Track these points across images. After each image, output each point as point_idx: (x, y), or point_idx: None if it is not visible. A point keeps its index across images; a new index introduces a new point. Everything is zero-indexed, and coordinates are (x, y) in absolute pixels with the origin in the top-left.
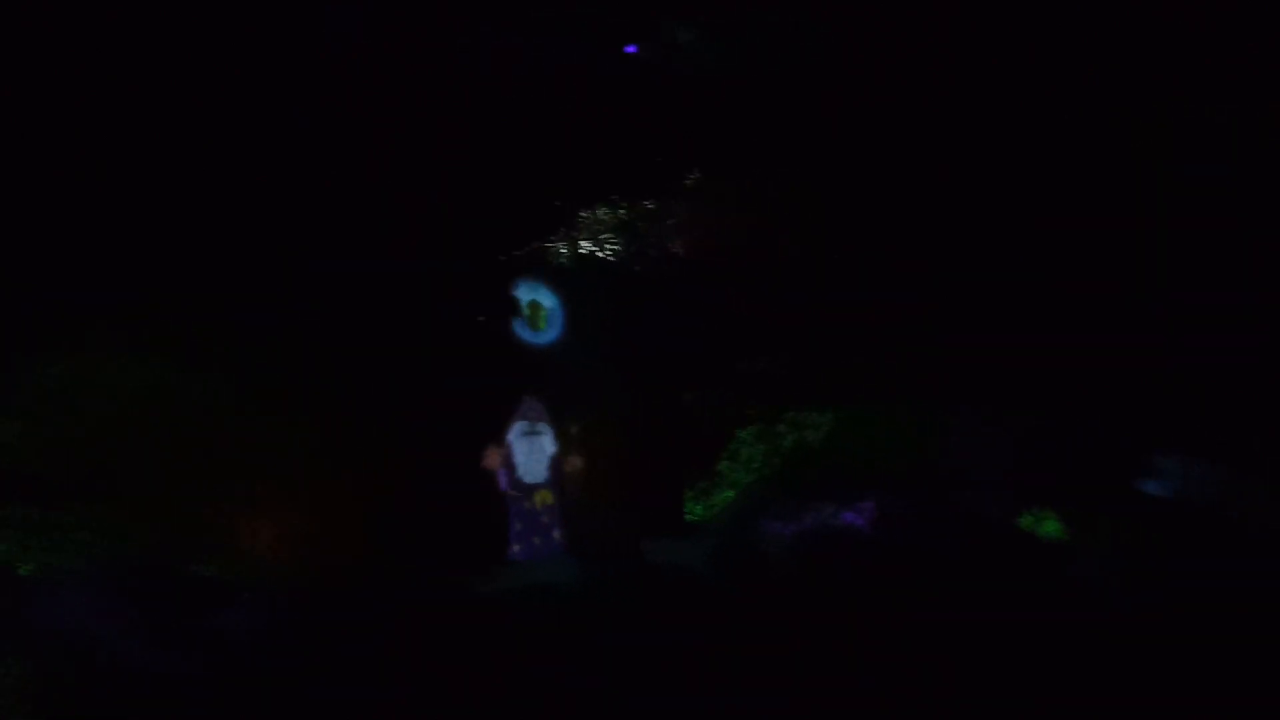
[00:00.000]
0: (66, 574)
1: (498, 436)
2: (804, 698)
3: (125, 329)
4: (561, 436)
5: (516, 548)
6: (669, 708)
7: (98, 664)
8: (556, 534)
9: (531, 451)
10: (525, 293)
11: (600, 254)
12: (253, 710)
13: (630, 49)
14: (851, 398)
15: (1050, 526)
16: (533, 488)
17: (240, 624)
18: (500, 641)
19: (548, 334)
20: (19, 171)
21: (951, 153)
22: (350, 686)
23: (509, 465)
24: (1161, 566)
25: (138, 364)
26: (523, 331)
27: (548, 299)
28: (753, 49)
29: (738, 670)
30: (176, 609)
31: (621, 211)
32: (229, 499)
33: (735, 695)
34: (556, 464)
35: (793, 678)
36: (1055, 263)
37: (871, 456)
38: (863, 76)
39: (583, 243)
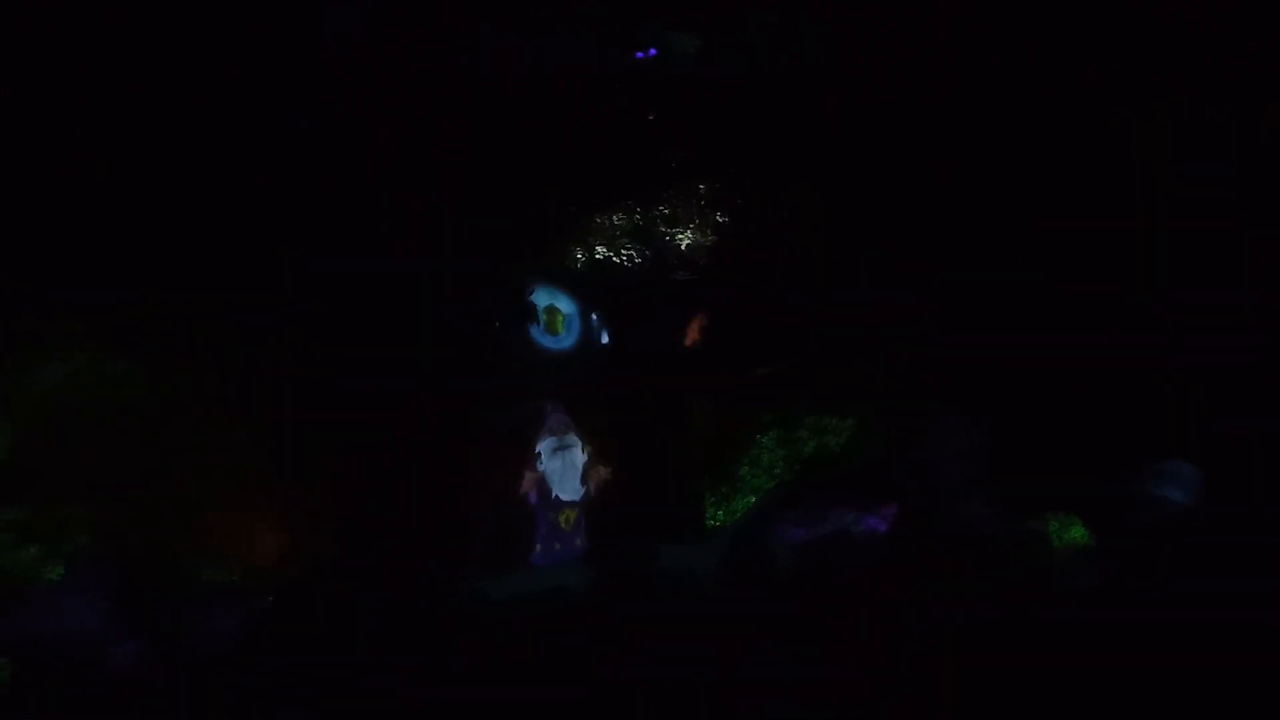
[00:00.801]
0: (64, 577)
1: (528, 455)
2: (815, 703)
3: (122, 331)
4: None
5: (539, 549)
6: (673, 711)
7: (92, 664)
8: (579, 541)
9: (565, 468)
10: (542, 299)
11: (615, 259)
12: (254, 712)
13: (643, 55)
14: (870, 401)
15: (1076, 533)
16: (564, 504)
17: (240, 625)
18: (501, 644)
19: (565, 340)
20: (18, 173)
21: (968, 151)
22: (352, 686)
23: (541, 486)
24: (1170, 571)
25: (135, 366)
26: (540, 338)
27: (565, 304)
28: (761, 50)
29: (746, 675)
30: (177, 612)
31: (636, 216)
32: (237, 504)
33: (744, 699)
34: (588, 474)
35: (804, 683)
36: (1067, 262)
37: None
38: (871, 76)
39: (598, 248)
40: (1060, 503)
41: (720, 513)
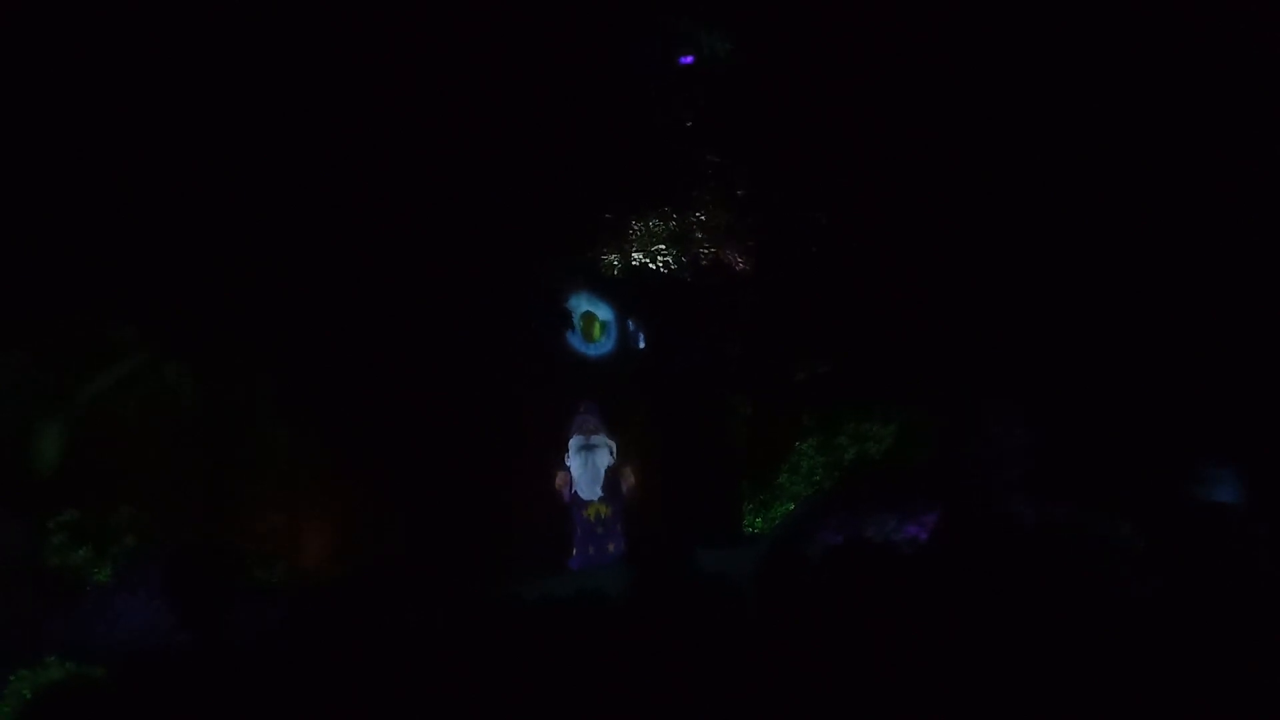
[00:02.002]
0: (116, 576)
1: (559, 452)
2: (849, 710)
3: (174, 335)
4: (620, 448)
5: (575, 553)
6: (705, 712)
7: (144, 660)
8: (612, 545)
9: (586, 466)
10: (579, 305)
11: (652, 265)
12: (295, 706)
13: (685, 60)
14: (906, 403)
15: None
16: (587, 502)
17: (285, 623)
18: (532, 645)
19: (602, 345)
20: (72, 182)
21: (1014, 150)
22: (388, 685)
23: (568, 481)
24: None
25: (187, 370)
26: (577, 343)
27: (602, 311)
28: (797, 52)
29: (780, 680)
30: (226, 610)
31: (673, 222)
32: (283, 505)
33: (778, 704)
34: (613, 476)
35: (839, 690)
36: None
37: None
38: (910, 76)
39: (634, 254)
40: (1110, 504)
41: (759, 519)
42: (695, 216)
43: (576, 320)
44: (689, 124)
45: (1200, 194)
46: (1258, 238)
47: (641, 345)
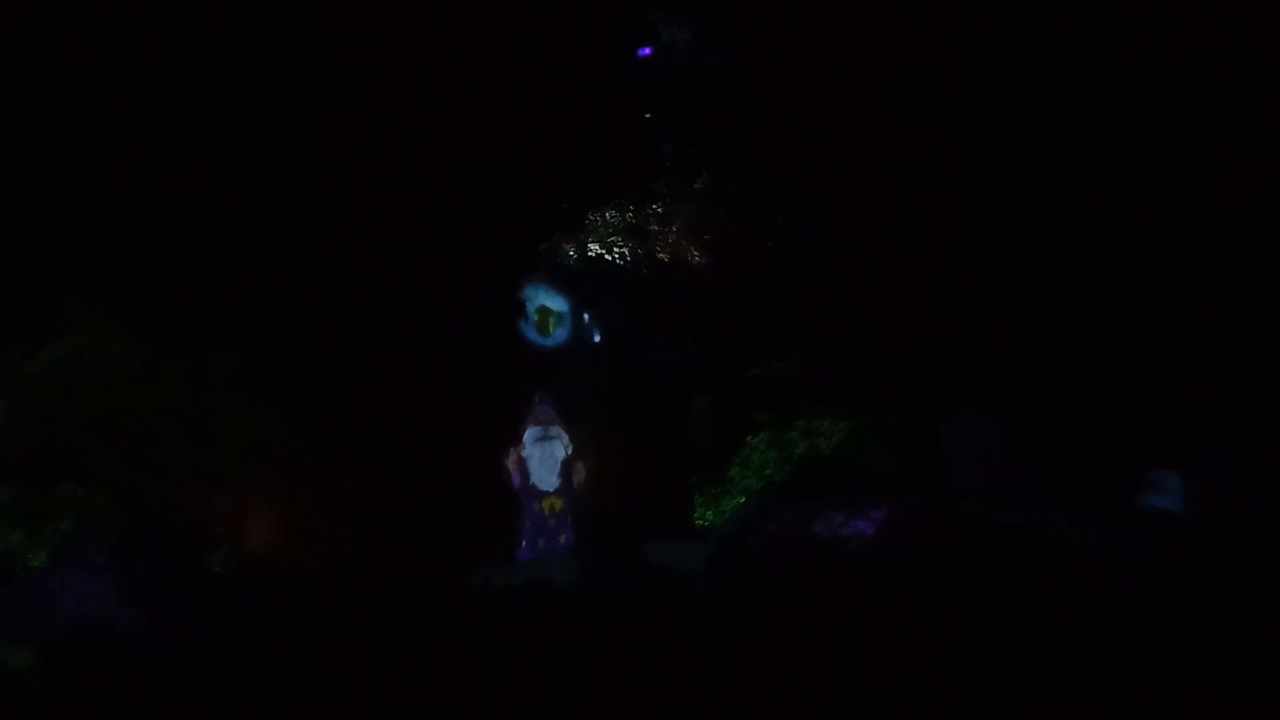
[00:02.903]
0: (58, 558)
1: (515, 437)
2: (797, 703)
3: (122, 311)
4: (573, 440)
5: (524, 545)
6: (652, 705)
7: (90, 644)
8: (563, 537)
9: (544, 458)
10: (534, 297)
11: (608, 257)
12: (247, 695)
13: (643, 52)
14: (863, 402)
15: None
16: (544, 494)
17: (234, 609)
18: (485, 637)
19: (557, 338)
20: (21, 158)
21: (979, 144)
22: (339, 676)
23: (523, 470)
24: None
25: (135, 346)
26: (531, 334)
27: (556, 303)
28: (755, 40)
29: (728, 673)
30: (176, 594)
31: (630, 214)
32: (235, 488)
33: (726, 697)
34: (565, 468)
35: (786, 684)
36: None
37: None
38: (872, 67)
39: (591, 245)
40: (1059, 507)
41: (709, 512)
42: (653, 209)
43: (532, 313)
44: (647, 116)
45: (1171, 202)
46: (1222, 245)
47: (596, 339)
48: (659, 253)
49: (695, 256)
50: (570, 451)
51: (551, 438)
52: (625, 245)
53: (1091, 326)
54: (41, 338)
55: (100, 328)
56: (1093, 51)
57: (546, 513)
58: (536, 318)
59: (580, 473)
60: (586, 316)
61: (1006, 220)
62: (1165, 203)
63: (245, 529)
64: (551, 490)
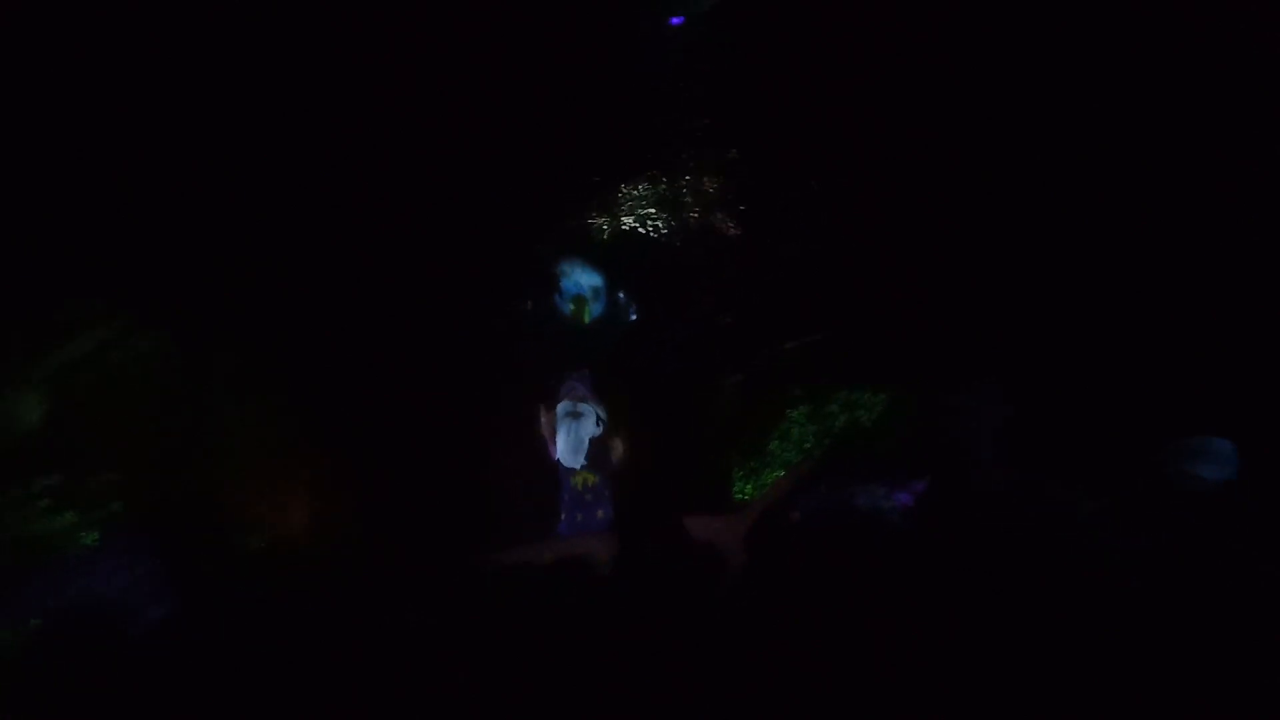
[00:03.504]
0: (100, 542)
1: (548, 408)
2: (839, 684)
3: (149, 304)
4: (608, 416)
5: (563, 519)
6: (685, 685)
7: (125, 628)
8: (601, 512)
9: (570, 435)
10: (568, 273)
11: (641, 230)
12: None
13: (676, 20)
14: (904, 375)
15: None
16: (573, 470)
17: (269, 593)
18: (521, 614)
19: (591, 312)
20: (44, 149)
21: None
22: (371, 659)
23: (555, 440)
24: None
25: (163, 337)
26: (565, 309)
27: (591, 278)
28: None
29: (768, 651)
30: (208, 578)
31: (663, 186)
32: (266, 472)
33: (766, 675)
34: (601, 444)
35: (826, 663)
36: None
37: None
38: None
39: (624, 219)
40: (1093, 478)
41: (749, 486)
42: (685, 180)
43: (567, 301)
44: (680, 87)
45: (1199, 178)
46: (1258, 217)
47: (633, 317)
48: (693, 225)
49: (730, 229)
50: (603, 428)
51: (581, 414)
52: (659, 218)
53: (1126, 288)
54: (68, 333)
55: (125, 323)
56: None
57: (580, 488)
58: (573, 307)
59: (617, 449)
60: (621, 295)
61: (1039, 196)
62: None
63: (279, 515)
64: (580, 466)
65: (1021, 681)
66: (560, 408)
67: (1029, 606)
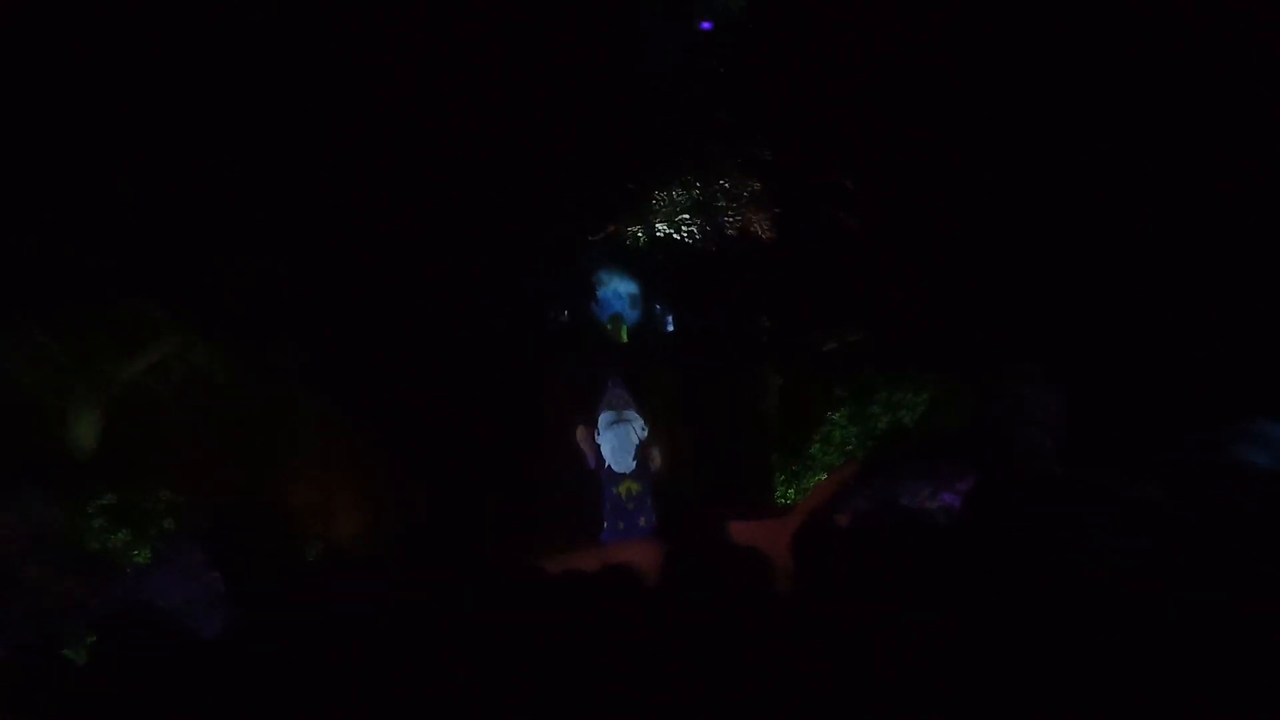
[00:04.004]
0: (155, 557)
1: (588, 419)
2: (884, 683)
3: (205, 319)
4: (649, 422)
5: (605, 528)
6: (735, 693)
7: (181, 639)
8: (643, 520)
9: (619, 442)
10: (605, 281)
11: (677, 235)
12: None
13: (705, 26)
14: (944, 372)
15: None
16: (621, 477)
17: (317, 601)
18: (562, 620)
19: (628, 320)
20: (103, 168)
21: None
22: (417, 663)
23: (595, 450)
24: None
25: (218, 353)
26: (603, 317)
27: (627, 288)
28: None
29: (812, 654)
30: (263, 587)
31: (696, 191)
32: (318, 484)
33: (809, 676)
34: (642, 451)
35: (871, 664)
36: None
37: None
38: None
39: (658, 224)
40: (1141, 467)
41: (791, 490)
42: (719, 184)
43: (604, 297)
44: (710, 90)
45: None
46: None
47: (670, 328)
48: (728, 229)
49: (765, 230)
50: (645, 434)
51: (626, 420)
52: (693, 223)
53: (1178, 268)
54: (125, 346)
55: (183, 337)
56: None
57: (624, 496)
58: (610, 327)
59: (656, 457)
60: (658, 306)
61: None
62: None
63: (332, 521)
64: (628, 473)
65: (1069, 683)
66: (603, 417)
67: (1080, 610)
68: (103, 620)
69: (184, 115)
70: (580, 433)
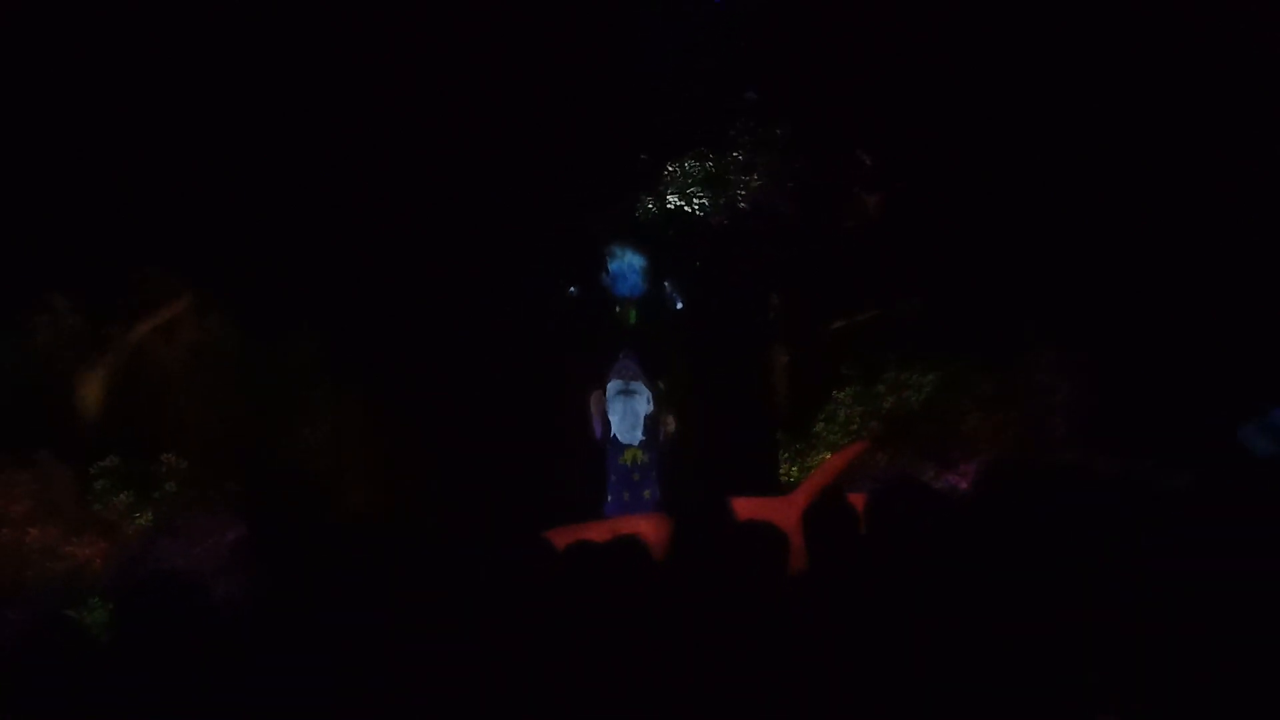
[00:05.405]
0: (160, 522)
1: (598, 387)
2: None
3: (219, 284)
4: (657, 395)
5: (610, 499)
6: (752, 674)
7: (188, 606)
8: (648, 492)
9: (625, 412)
10: (617, 254)
11: (688, 209)
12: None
13: (720, 2)
14: (955, 354)
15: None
16: (625, 447)
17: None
18: (567, 592)
19: (635, 290)
20: (116, 131)
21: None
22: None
23: (604, 419)
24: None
25: (231, 318)
26: (613, 289)
27: (638, 261)
28: None
29: (817, 629)
30: (272, 557)
31: (709, 164)
32: (329, 452)
33: (813, 653)
34: (650, 424)
35: (877, 642)
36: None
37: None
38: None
39: (670, 197)
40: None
41: (795, 468)
42: (733, 157)
43: (615, 270)
44: (725, 62)
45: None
46: None
47: (679, 306)
48: (740, 203)
49: (778, 205)
50: (653, 406)
51: (633, 392)
52: (705, 196)
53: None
54: (135, 311)
55: (197, 301)
56: None
57: (629, 465)
58: (618, 275)
59: (667, 426)
60: (667, 283)
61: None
62: None
63: (343, 495)
64: (634, 443)
65: (1074, 676)
66: (611, 386)
67: (1087, 602)
68: (111, 588)
69: (198, 106)
70: (594, 398)
